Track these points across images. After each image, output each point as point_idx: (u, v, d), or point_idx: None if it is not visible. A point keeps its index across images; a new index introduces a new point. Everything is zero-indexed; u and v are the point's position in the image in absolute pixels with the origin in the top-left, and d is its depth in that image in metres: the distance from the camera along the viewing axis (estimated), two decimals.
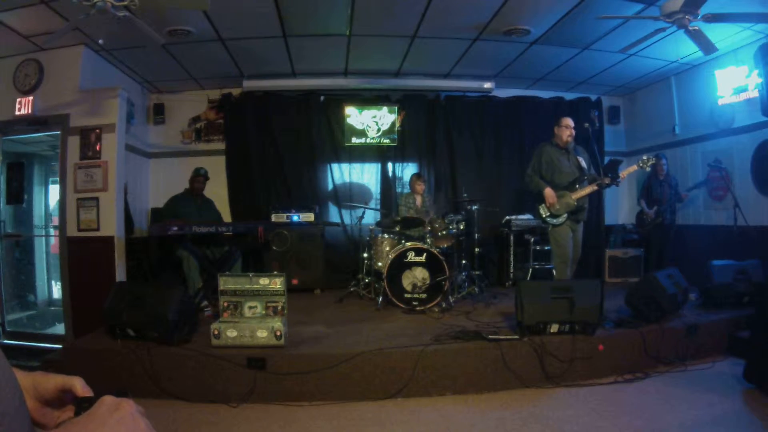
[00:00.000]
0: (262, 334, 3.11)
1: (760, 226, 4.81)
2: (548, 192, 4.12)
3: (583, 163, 4.17)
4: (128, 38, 4.16)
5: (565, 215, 4.11)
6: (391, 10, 4.26)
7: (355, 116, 6.31)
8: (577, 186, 4.11)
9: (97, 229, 4.47)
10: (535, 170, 4.29)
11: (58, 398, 0.64)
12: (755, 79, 4.76)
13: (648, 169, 4.21)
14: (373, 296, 4.82)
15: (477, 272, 5.10)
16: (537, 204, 4.27)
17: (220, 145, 6.29)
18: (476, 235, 5.20)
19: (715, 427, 2.54)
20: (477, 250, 5.21)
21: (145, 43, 3.99)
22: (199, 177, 4.84)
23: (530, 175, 4.31)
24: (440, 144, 6.40)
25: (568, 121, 4.26)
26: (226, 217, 5.89)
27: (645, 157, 4.13)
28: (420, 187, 5.35)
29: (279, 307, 3.35)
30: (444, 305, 4.37)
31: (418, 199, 5.37)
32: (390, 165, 6.42)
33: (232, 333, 3.11)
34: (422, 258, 4.36)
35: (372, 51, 5.29)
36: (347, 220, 6.26)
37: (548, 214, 4.18)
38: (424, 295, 4.33)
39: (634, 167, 4.05)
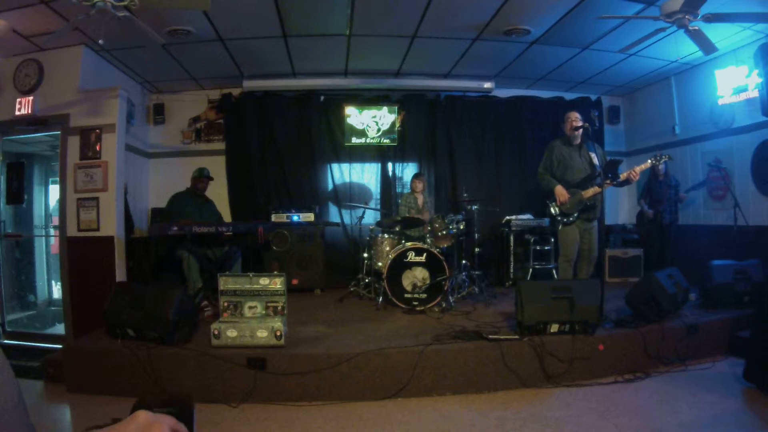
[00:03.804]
0: (262, 334, 3.11)
1: (760, 226, 4.81)
2: (559, 190, 4.08)
3: (596, 160, 4.08)
4: (128, 38, 4.15)
5: (576, 214, 4.09)
6: (391, 10, 4.26)
7: (355, 116, 6.31)
8: (590, 183, 4.05)
9: (97, 229, 4.47)
10: (547, 168, 4.25)
11: None
12: (755, 79, 4.76)
13: (661, 165, 4.15)
14: (373, 296, 4.82)
15: (477, 272, 5.09)
16: (548, 201, 4.23)
17: (220, 145, 6.29)
18: (476, 235, 5.20)
19: (715, 427, 2.54)
20: (477, 250, 5.21)
21: (145, 43, 3.99)
22: (203, 178, 4.84)
23: (542, 173, 4.28)
24: (440, 144, 6.40)
25: (570, 114, 4.23)
26: (226, 217, 5.89)
27: (659, 154, 4.05)
28: (419, 186, 5.35)
29: (279, 307, 3.36)
30: (444, 305, 4.37)
31: (420, 199, 5.37)
32: (390, 165, 6.42)
33: (232, 333, 3.11)
34: (422, 258, 4.36)
35: (372, 51, 5.29)
36: (347, 220, 6.26)
37: (558, 212, 4.14)
38: (424, 295, 4.33)
39: (648, 163, 3.97)
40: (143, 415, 0.50)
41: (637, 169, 3.93)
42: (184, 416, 0.57)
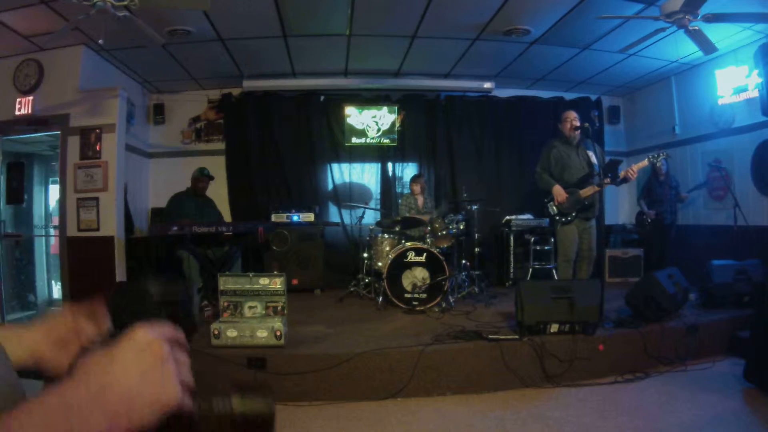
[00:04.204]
0: (262, 334, 3.11)
1: (760, 226, 4.81)
2: (557, 190, 4.06)
3: (594, 159, 4.05)
4: (128, 38, 4.16)
5: (574, 213, 4.07)
6: (391, 10, 4.26)
7: (355, 116, 6.31)
8: (587, 183, 4.03)
9: (97, 229, 4.47)
10: (544, 168, 4.23)
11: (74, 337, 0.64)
12: (755, 79, 4.76)
13: (659, 164, 4.14)
14: (373, 296, 4.82)
15: (477, 272, 5.10)
16: (546, 201, 4.21)
17: (220, 145, 6.29)
18: (476, 235, 5.20)
19: (716, 427, 2.54)
20: (477, 250, 5.21)
21: (145, 43, 3.99)
22: (204, 177, 4.84)
23: (539, 173, 4.25)
24: (440, 144, 6.40)
25: (568, 114, 4.21)
26: (226, 217, 5.89)
27: (656, 153, 4.04)
28: (417, 188, 5.33)
29: (279, 307, 3.35)
30: (444, 305, 4.37)
31: (420, 200, 5.37)
32: (390, 165, 6.42)
33: (232, 333, 3.11)
34: (422, 258, 4.35)
35: (372, 51, 5.29)
36: (347, 220, 6.26)
37: (557, 212, 4.13)
38: (424, 295, 4.33)
39: (645, 162, 3.96)
40: (141, 333, 0.47)
41: (635, 167, 3.93)
42: (183, 304, 0.55)
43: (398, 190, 6.35)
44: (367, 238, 5.13)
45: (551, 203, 4.15)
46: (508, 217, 5.87)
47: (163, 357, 0.46)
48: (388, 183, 6.40)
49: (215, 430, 0.48)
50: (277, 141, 6.19)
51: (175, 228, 3.94)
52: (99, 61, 4.93)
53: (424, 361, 3.07)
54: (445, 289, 4.37)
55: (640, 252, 5.89)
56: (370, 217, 5.76)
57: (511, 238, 5.83)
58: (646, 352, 3.38)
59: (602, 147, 6.32)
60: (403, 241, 4.66)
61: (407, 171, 6.43)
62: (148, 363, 0.45)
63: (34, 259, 5.61)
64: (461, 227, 4.95)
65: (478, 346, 3.19)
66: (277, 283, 3.36)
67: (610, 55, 5.32)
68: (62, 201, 4.58)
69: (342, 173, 6.41)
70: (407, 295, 4.34)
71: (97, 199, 4.49)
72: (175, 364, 0.47)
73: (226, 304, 3.36)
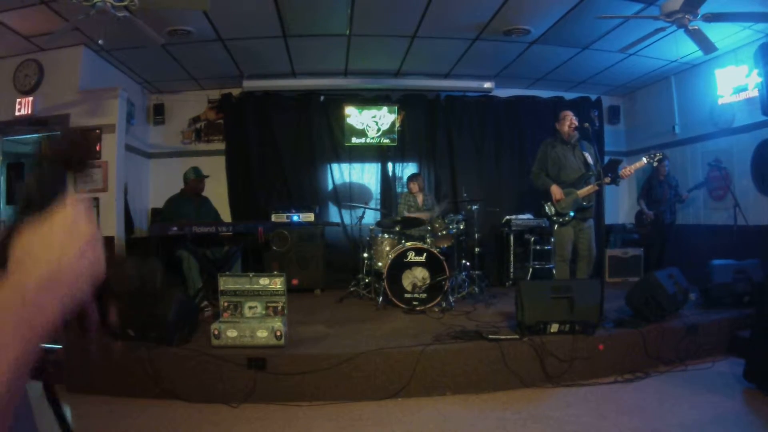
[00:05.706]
0: (262, 334, 3.11)
1: (760, 225, 4.81)
2: (555, 189, 4.06)
3: (590, 159, 4.07)
4: (128, 38, 4.16)
5: (572, 214, 4.08)
6: (391, 10, 4.26)
7: (355, 116, 6.31)
8: (584, 183, 4.03)
9: None
10: (541, 167, 4.22)
11: None
12: (755, 79, 4.76)
13: (656, 164, 4.14)
14: (373, 296, 4.82)
15: (477, 272, 5.09)
16: (543, 201, 4.20)
17: (220, 145, 6.29)
18: (476, 235, 5.20)
19: (716, 427, 2.54)
20: (477, 250, 5.20)
21: (145, 43, 4.00)
22: (200, 178, 4.81)
23: (536, 173, 4.24)
24: (440, 144, 6.40)
25: (567, 113, 4.20)
26: (226, 217, 5.89)
27: (653, 152, 4.04)
28: (414, 187, 5.33)
29: (279, 307, 3.35)
30: (444, 305, 4.36)
31: (419, 197, 5.36)
32: (390, 165, 6.42)
33: (232, 333, 3.11)
34: (422, 258, 4.35)
35: (372, 51, 5.29)
36: (347, 220, 6.26)
37: (554, 212, 4.12)
38: (424, 295, 4.33)
39: (642, 162, 3.95)
40: (70, 210, 0.47)
41: (632, 168, 3.93)
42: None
43: (398, 190, 6.35)
44: (367, 238, 5.13)
45: (548, 203, 4.15)
46: (508, 217, 5.87)
47: (93, 234, 0.48)
48: (388, 183, 6.40)
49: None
50: (277, 141, 6.19)
51: (175, 228, 3.93)
52: (99, 61, 4.93)
53: (424, 361, 3.07)
54: (445, 289, 4.37)
55: (640, 252, 5.89)
56: (370, 217, 5.76)
57: (511, 238, 5.83)
58: (646, 352, 3.38)
59: (602, 147, 6.34)
60: (403, 241, 4.66)
61: (407, 171, 6.42)
62: (82, 240, 0.46)
63: None
64: (461, 227, 4.95)
65: (478, 346, 3.19)
66: (277, 283, 3.36)
67: (609, 55, 5.32)
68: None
69: (342, 173, 6.42)
70: (407, 295, 4.34)
71: (97, 199, 4.49)
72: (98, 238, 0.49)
73: (226, 304, 3.36)
